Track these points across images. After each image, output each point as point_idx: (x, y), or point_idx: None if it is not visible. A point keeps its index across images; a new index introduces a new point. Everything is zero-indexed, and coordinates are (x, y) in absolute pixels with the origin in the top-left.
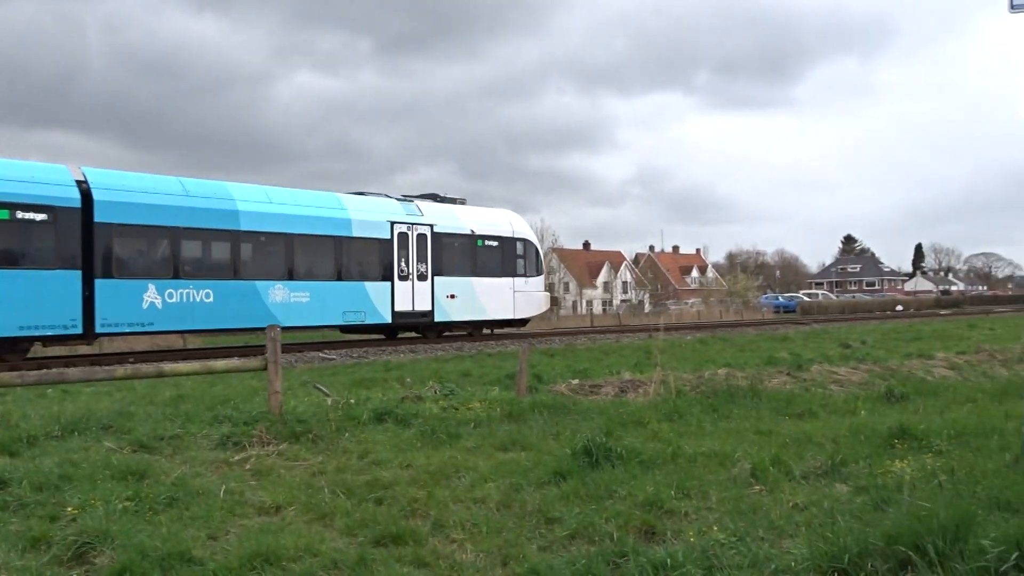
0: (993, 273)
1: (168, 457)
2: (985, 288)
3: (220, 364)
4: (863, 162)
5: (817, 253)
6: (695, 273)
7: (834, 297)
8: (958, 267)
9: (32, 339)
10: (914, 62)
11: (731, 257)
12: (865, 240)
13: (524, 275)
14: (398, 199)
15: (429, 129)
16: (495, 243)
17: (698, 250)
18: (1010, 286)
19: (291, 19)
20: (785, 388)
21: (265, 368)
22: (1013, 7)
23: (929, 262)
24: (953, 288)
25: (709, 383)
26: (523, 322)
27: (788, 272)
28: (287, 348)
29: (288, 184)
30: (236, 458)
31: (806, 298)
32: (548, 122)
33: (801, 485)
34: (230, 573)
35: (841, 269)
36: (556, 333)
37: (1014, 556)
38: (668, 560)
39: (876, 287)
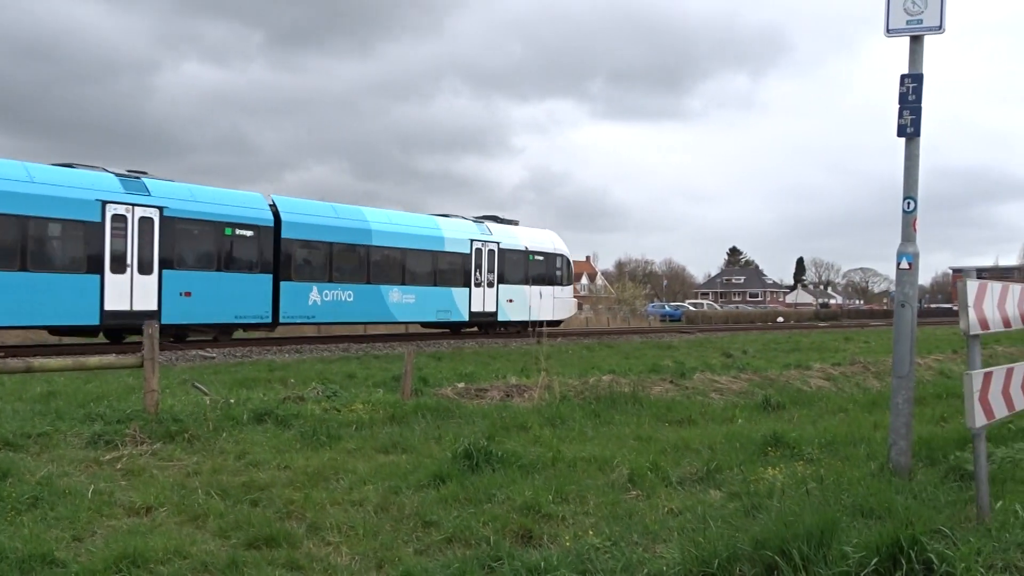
0: (869, 288)
1: (34, 456)
2: (861, 302)
3: (93, 360)
4: (750, 175)
5: (703, 264)
6: (584, 280)
7: (718, 307)
8: (837, 281)
9: (239, 325)
10: (804, 80)
11: (620, 265)
12: (749, 252)
13: (561, 284)
14: (473, 220)
15: (321, 126)
16: (541, 257)
17: (588, 257)
18: (885, 300)
19: (179, 6)
20: (667, 395)
21: (141, 366)
22: (888, 31)
23: (810, 275)
24: (832, 301)
25: (593, 389)
26: (559, 323)
27: (675, 281)
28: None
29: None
30: (107, 457)
31: (691, 307)
32: (442, 124)
33: (677, 491)
34: (94, 575)
35: (726, 280)
36: (445, 336)
37: (874, 561)
38: (542, 564)
39: (759, 298)
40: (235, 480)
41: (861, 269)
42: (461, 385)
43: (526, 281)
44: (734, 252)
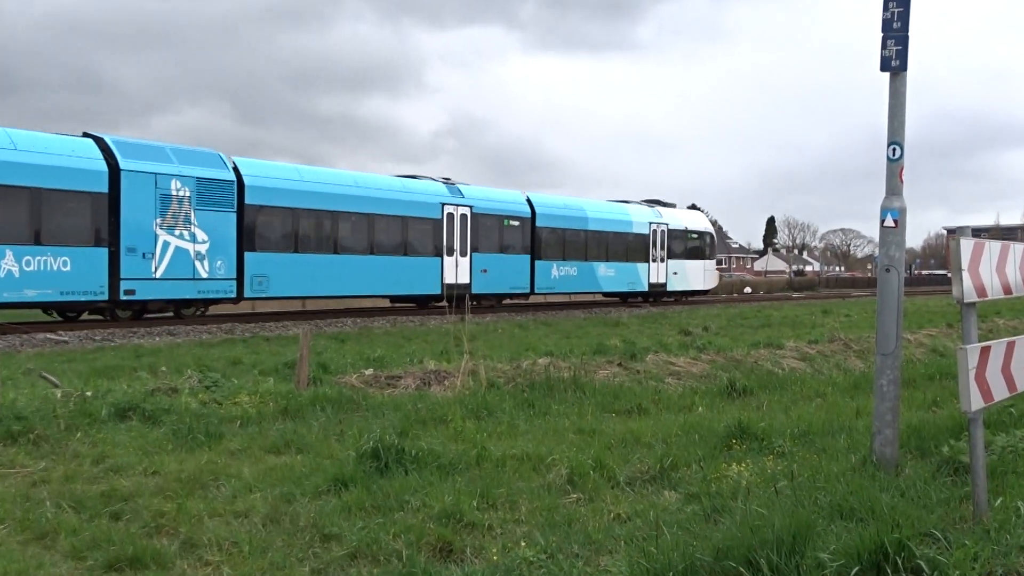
0: (851, 252)
1: None
2: (842, 269)
3: None
4: (712, 119)
5: None
6: None
7: None
8: (814, 245)
9: (510, 295)
10: (777, 5)
11: None
12: (711, 211)
13: (710, 258)
14: (646, 205)
15: (194, 60)
16: (696, 235)
17: None
18: (869, 267)
19: None
20: (614, 381)
21: None
22: None
23: (782, 238)
24: (807, 268)
25: (526, 375)
26: (707, 291)
27: None
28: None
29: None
30: None
31: None
32: (342, 57)
33: (625, 493)
34: None
35: None
36: (349, 313)
37: (854, 570)
38: None
39: (723, 266)
40: (92, 489)
41: (841, 230)
42: (369, 372)
43: (686, 255)
44: (693, 210)
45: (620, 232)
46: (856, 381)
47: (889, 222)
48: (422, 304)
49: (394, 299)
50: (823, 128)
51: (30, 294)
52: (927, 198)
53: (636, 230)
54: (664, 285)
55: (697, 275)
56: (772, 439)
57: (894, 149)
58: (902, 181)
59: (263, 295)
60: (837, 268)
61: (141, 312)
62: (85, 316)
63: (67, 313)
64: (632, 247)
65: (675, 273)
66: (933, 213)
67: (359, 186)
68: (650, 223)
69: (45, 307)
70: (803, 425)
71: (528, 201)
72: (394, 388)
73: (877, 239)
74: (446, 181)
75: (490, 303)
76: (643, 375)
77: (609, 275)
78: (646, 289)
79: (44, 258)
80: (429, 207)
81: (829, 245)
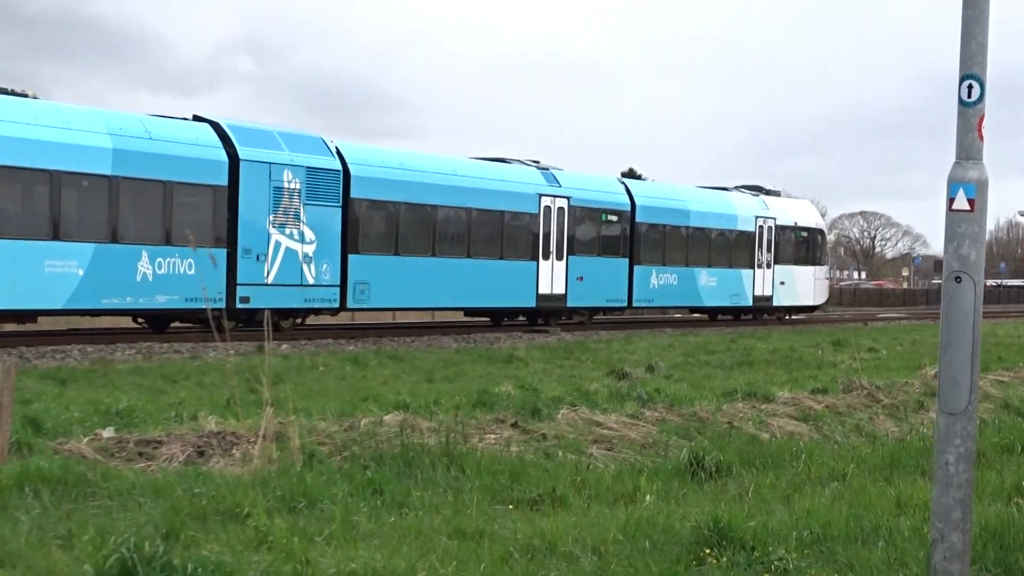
0: (877, 249)
1: None
2: (863, 275)
3: None
4: (662, 38)
5: None
6: None
7: None
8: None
9: (605, 309)
10: None
11: None
12: (661, 177)
13: (822, 263)
14: (750, 193)
15: None
16: (806, 233)
17: None
18: (905, 272)
19: None
20: (510, 451)
21: None
22: None
23: None
24: None
25: (368, 439)
26: (816, 308)
27: None
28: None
29: None
30: None
31: None
32: None
33: None
34: None
35: None
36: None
37: None
38: None
39: None
40: None
41: (862, 215)
42: (109, 433)
43: (795, 260)
44: (631, 177)
45: (724, 229)
46: (893, 455)
47: (961, 202)
48: (496, 320)
49: (471, 312)
50: (836, 54)
51: (161, 300)
52: (994, 163)
53: (741, 226)
54: (770, 299)
55: (807, 285)
56: (768, 547)
57: (970, 86)
58: (982, 137)
59: (364, 305)
60: (856, 274)
61: (248, 322)
62: (176, 325)
63: (172, 323)
64: (736, 249)
65: (782, 283)
66: (1003, 186)
67: (457, 174)
68: (756, 217)
69: (172, 316)
70: (816, 525)
71: (626, 188)
72: (152, 460)
73: (914, 228)
74: (536, 164)
75: (581, 318)
76: (553, 442)
77: (711, 285)
78: (750, 303)
79: (173, 260)
80: (526, 199)
81: (843, 238)
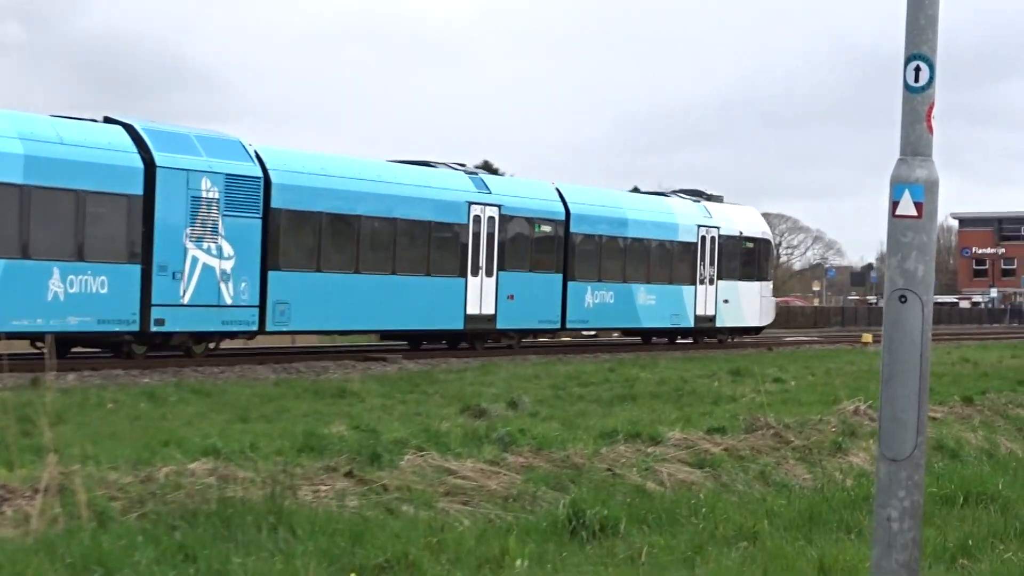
0: (783, 259)
1: None
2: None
3: None
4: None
5: None
6: None
7: None
8: None
9: (536, 331)
10: None
11: None
12: (525, 174)
13: (767, 278)
14: (691, 199)
15: None
16: (752, 244)
17: None
18: (816, 287)
19: None
20: (345, 505)
21: None
22: None
23: None
24: None
25: (170, 492)
26: (761, 329)
27: None
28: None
29: None
30: None
31: None
32: None
33: None
34: None
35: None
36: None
37: None
38: None
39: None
40: None
41: (764, 217)
42: None
43: (739, 274)
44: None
45: (664, 240)
46: (811, 508)
47: (907, 207)
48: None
49: (391, 335)
50: (732, 20)
51: (73, 322)
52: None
53: (682, 236)
54: (712, 319)
55: (752, 304)
56: None
57: (917, 69)
58: (932, 129)
59: (284, 328)
60: None
61: (161, 348)
62: (77, 350)
63: (73, 348)
64: (677, 262)
65: (726, 301)
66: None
67: (382, 179)
68: (698, 226)
69: (83, 339)
70: None
71: (560, 195)
72: None
73: (827, 233)
74: (463, 168)
75: (510, 342)
76: (397, 495)
77: (650, 304)
78: (691, 324)
79: (86, 277)
80: (454, 208)
81: None
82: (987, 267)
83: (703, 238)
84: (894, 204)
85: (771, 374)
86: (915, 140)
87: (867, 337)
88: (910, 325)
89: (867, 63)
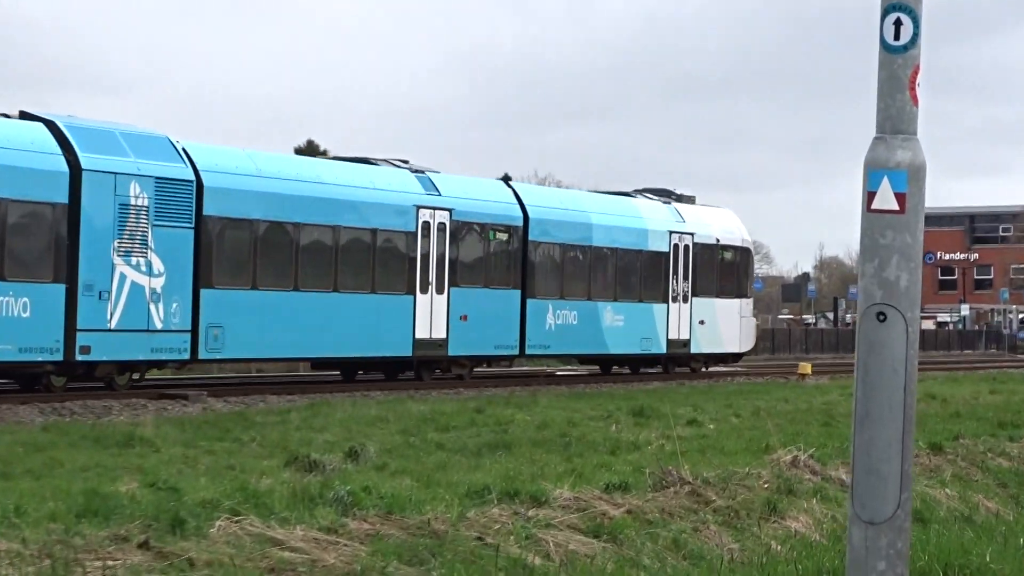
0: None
1: None
2: None
3: None
4: None
5: None
6: None
7: None
8: None
9: (491, 358)
10: None
11: None
12: (373, 151)
13: (746, 294)
14: (663, 201)
15: None
16: (730, 254)
17: None
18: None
19: None
20: None
21: None
22: None
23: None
24: None
25: None
26: (740, 356)
27: None
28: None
29: None
30: None
31: None
32: None
33: None
34: None
35: None
36: None
37: None
38: None
39: None
40: None
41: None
42: None
43: (717, 290)
44: (311, 151)
45: (632, 249)
46: None
47: (886, 198)
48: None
49: (341, 366)
50: None
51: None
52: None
53: (653, 245)
54: (687, 343)
55: (731, 325)
56: None
57: (897, 23)
58: (917, 100)
59: (218, 355)
60: None
61: (82, 379)
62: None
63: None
64: (647, 276)
65: (701, 322)
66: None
67: (322, 180)
68: (670, 233)
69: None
70: None
71: (516, 196)
72: None
73: (754, 234)
74: (407, 165)
75: (461, 371)
76: (207, 571)
77: (617, 325)
78: (663, 350)
79: (7, 299)
80: (401, 213)
81: None
82: (956, 277)
83: (675, 247)
84: (869, 195)
85: (684, 415)
86: (896, 114)
87: (805, 367)
88: (891, 350)
89: (802, 16)
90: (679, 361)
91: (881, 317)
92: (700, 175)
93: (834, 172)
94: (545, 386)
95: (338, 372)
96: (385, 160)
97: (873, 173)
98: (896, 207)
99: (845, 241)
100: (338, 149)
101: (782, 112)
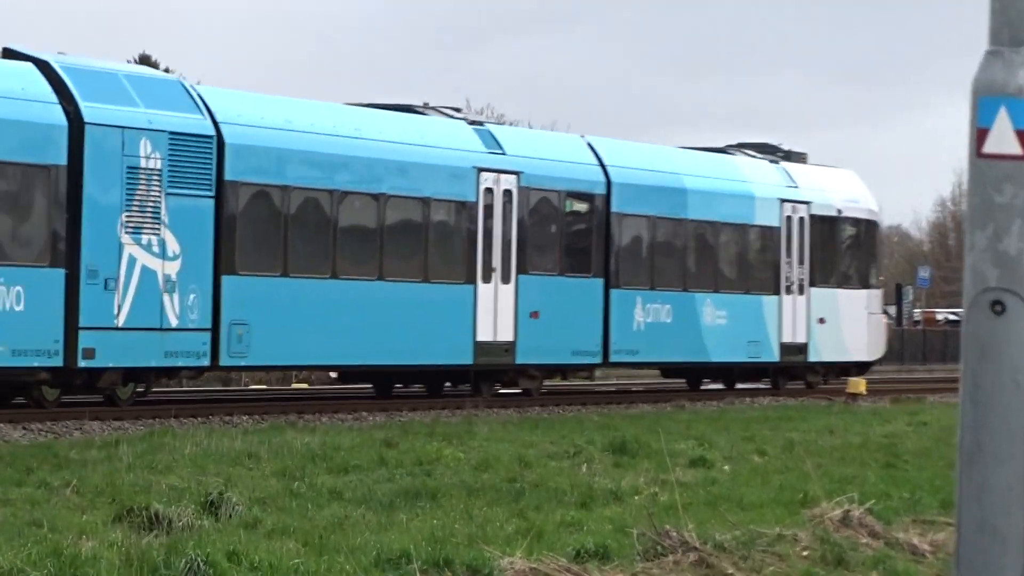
0: None
1: None
2: None
3: None
4: None
5: None
6: None
7: None
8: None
9: (569, 367)
10: None
11: None
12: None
13: (872, 283)
14: (771, 160)
15: None
16: (853, 229)
17: None
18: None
19: None
20: None
21: None
22: None
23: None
24: None
25: None
26: (870, 365)
27: None
28: None
29: None
30: None
31: None
32: None
33: None
34: None
35: None
36: None
37: None
38: None
39: None
40: None
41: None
42: None
43: (838, 280)
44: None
45: (736, 224)
46: None
47: (1003, 138)
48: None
49: (357, 373)
50: None
51: None
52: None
53: (761, 218)
54: (804, 349)
55: (857, 324)
56: None
57: None
58: None
59: (241, 361)
60: None
61: (88, 388)
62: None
63: None
64: (754, 258)
65: (821, 320)
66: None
67: (362, 135)
68: (780, 202)
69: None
70: None
71: (595, 154)
72: None
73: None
74: (461, 115)
75: (530, 385)
76: None
77: (719, 324)
78: (775, 357)
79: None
80: (458, 176)
81: None
82: None
83: (788, 220)
84: (979, 134)
85: (685, 451)
86: (1018, 17)
87: (858, 384)
88: (1012, 354)
89: None
90: (792, 373)
91: (998, 308)
92: (694, 109)
93: (895, 104)
94: (485, 409)
95: (371, 385)
96: (434, 108)
97: (985, 102)
98: (1019, 150)
99: (910, 203)
100: (190, 72)
101: (814, 20)
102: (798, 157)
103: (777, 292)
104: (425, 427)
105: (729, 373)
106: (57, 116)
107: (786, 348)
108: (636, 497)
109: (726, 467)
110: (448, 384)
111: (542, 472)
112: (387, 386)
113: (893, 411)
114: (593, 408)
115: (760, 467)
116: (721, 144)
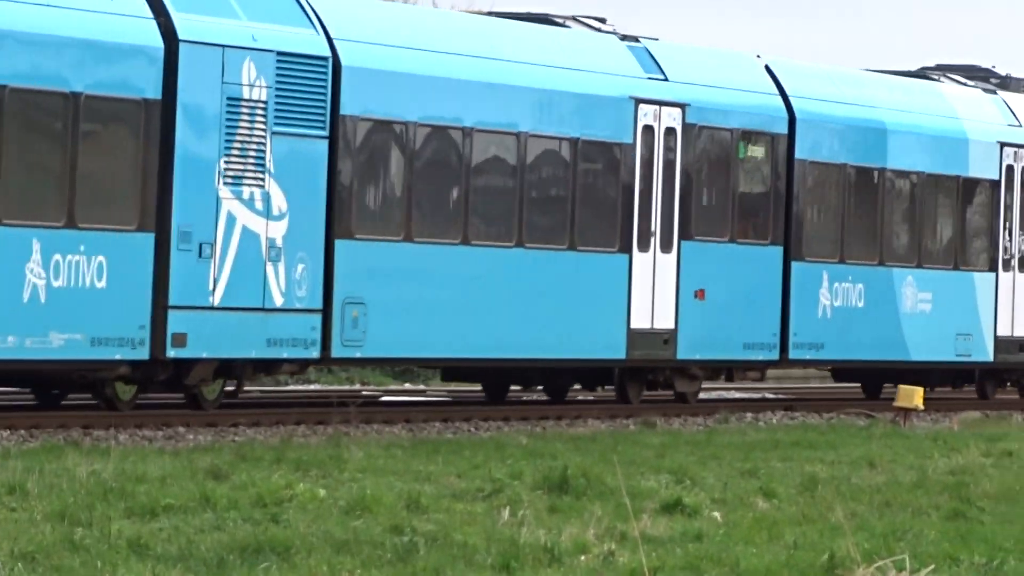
0: None
1: None
2: None
3: None
4: None
5: None
6: None
7: None
8: None
9: (739, 364)
10: None
11: None
12: None
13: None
14: (987, 89)
15: None
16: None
17: None
18: None
19: None
20: None
21: None
22: None
23: None
24: None
25: None
26: None
27: None
28: None
29: None
30: None
31: None
32: None
33: None
34: None
35: None
36: None
37: None
38: None
39: None
40: None
41: None
42: None
43: None
44: None
45: (944, 175)
46: None
47: None
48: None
49: (476, 371)
50: None
51: (57, 342)
52: None
53: (975, 168)
54: (1020, 342)
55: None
56: None
57: None
58: None
59: (356, 352)
60: None
61: (172, 385)
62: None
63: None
64: (965, 222)
65: None
66: None
67: (496, 56)
68: (1000, 146)
69: (69, 369)
70: None
71: (775, 81)
72: None
73: None
74: (611, 29)
75: (686, 389)
76: None
77: (922, 310)
78: (989, 357)
79: (76, 259)
80: (611, 109)
81: None
82: None
83: (1010, 170)
84: None
85: (656, 489)
86: None
87: (912, 395)
88: None
89: None
90: (1006, 377)
91: None
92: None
93: None
94: (371, 424)
95: (480, 387)
96: (573, 18)
97: None
98: None
99: None
100: None
101: None
102: (1018, 85)
103: (993, 268)
104: (272, 451)
105: (928, 376)
106: (151, 35)
107: (1002, 344)
108: (582, 558)
109: (716, 515)
110: (577, 386)
111: (443, 519)
112: (501, 387)
113: (963, 436)
114: (518, 424)
115: (766, 516)
116: (915, 67)
